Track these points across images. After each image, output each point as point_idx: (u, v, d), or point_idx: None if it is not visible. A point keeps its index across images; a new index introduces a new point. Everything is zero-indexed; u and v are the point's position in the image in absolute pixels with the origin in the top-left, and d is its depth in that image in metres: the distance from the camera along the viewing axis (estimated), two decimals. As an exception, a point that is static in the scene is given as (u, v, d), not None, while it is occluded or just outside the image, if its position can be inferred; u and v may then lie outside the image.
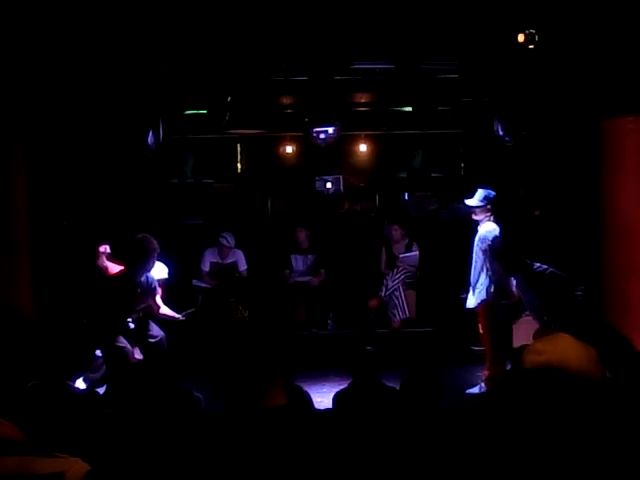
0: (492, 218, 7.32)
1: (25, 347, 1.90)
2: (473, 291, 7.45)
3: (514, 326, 8.49)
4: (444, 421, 3.64)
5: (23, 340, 1.92)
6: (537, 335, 7.19)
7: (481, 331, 7.67)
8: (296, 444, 1.61)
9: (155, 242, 6.81)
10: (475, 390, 7.51)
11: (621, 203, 8.18)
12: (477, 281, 7.41)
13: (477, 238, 7.36)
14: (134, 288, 6.82)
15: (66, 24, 6.47)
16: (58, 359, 4.70)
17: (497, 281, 7.40)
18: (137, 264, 6.75)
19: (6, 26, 6.30)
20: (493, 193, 7.36)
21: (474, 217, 7.32)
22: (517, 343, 8.41)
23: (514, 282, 7.43)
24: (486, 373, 7.55)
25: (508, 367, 7.65)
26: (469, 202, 7.33)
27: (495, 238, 7.19)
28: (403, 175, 11.42)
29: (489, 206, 7.27)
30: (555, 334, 2.25)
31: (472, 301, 7.49)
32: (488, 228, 7.27)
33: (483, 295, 7.38)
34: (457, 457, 3.42)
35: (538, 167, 9.53)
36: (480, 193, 7.31)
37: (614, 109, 7.86)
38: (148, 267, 6.83)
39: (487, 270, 7.36)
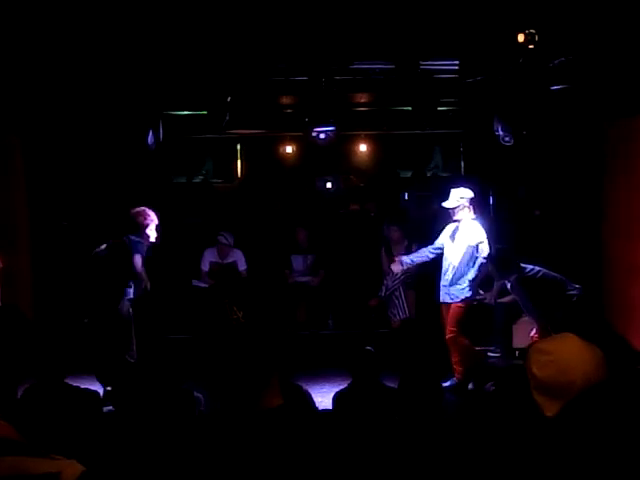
0: (472, 215, 7.42)
1: (23, 347, 1.90)
2: (451, 286, 7.46)
3: (514, 326, 8.50)
4: (443, 421, 3.64)
5: (22, 340, 1.92)
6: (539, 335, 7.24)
7: (452, 330, 7.50)
8: (293, 444, 1.61)
9: (149, 216, 6.88)
10: (448, 384, 7.43)
11: (622, 203, 8.19)
12: (461, 277, 7.43)
13: (462, 235, 7.42)
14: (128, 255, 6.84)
15: (66, 25, 6.46)
16: (58, 359, 4.70)
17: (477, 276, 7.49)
18: (135, 234, 6.82)
19: (7, 30, 6.30)
20: (469, 191, 7.43)
21: (454, 217, 7.42)
22: (517, 343, 8.42)
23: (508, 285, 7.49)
24: (460, 369, 7.47)
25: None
26: (447, 204, 7.43)
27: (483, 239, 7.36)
28: (407, 175, 11.40)
29: (467, 204, 7.37)
30: (561, 334, 2.24)
31: (451, 295, 7.48)
32: (472, 227, 7.38)
33: (467, 292, 7.40)
34: (458, 457, 3.42)
35: (538, 167, 9.53)
36: (454, 193, 7.42)
37: (616, 109, 7.87)
38: (146, 237, 6.87)
39: (472, 266, 7.41)
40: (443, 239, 7.59)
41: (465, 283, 7.41)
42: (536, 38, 6.50)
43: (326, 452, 1.66)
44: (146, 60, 7.25)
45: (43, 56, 6.89)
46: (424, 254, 7.77)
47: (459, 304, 7.43)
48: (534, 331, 7.38)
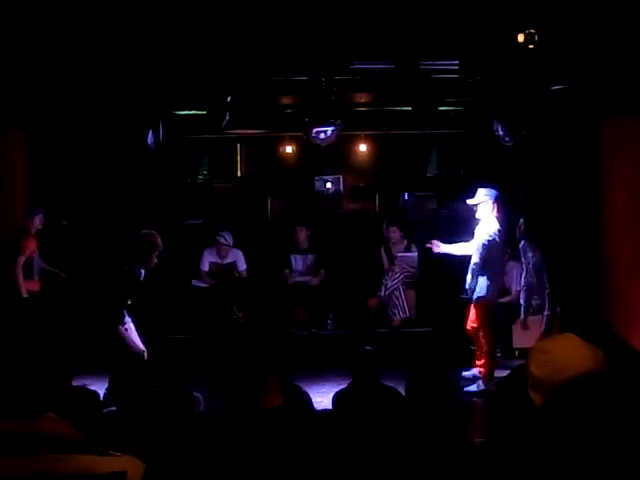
0: (495, 215, 7.43)
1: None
2: (469, 285, 7.52)
3: (514, 326, 8.50)
4: (452, 422, 3.63)
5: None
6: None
7: (471, 325, 7.63)
8: (292, 444, 1.61)
9: (159, 239, 6.85)
10: (473, 388, 7.51)
11: (622, 203, 8.19)
12: (476, 275, 7.46)
13: (478, 233, 7.47)
14: (135, 282, 6.84)
15: (68, 25, 6.46)
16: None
17: (495, 276, 7.48)
18: (139, 259, 6.79)
19: (11, 28, 6.30)
20: (494, 191, 7.49)
21: (477, 216, 7.46)
22: (517, 343, 8.43)
23: (514, 277, 7.54)
24: (483, 371, 7.55)
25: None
26: (470, 201, 7.50)
27: (494, 236, 7.35)
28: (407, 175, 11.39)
29: (491, 203, 7.40)
30: (562, 334, 2.24)
31: (469, 294, 7.56)
32: (489, 224, 7.39)
33: (483, 292, 7.43)
34: (461, 456, 3.42)
35: (538, 167, 9.52)
36: (480, 192, 7.47)
37: (615, 109, 7.86)
38: (150, 263, 6.84)
39: (484, 267, 7.40)
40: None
41: (481, 282, 7.44)
42: (536, 38, 6.49)
43: (326, 452, 1.66)
44: (146, 60, 7.24)
45: (44, 58, 6.88)
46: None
47: (476, 303, 7.52)
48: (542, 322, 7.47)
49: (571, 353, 2.14)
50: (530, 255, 7.58)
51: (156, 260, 6.90)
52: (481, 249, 7.35)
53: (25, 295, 7.91)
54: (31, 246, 8.07)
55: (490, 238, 7.35)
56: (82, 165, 9.28)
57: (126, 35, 6.68)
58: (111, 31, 6.58)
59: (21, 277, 7.95)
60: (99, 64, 7.13)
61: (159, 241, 6.87)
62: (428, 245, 7.94)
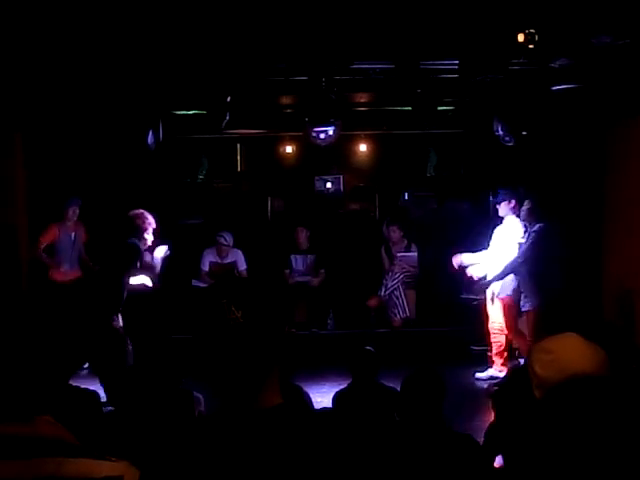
0: (516, 214, 7.69)
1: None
2: (493, 282, 7.70)
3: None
4: (444, 421, 3.64)
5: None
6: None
7: (498, 323, 7.74)
8: (292, 443, 1.61)
9: (147, 220, 6.89)
10: (484, 376, 7.73)
11: (624, 203, 8.19)
12: (500, 273, 7.64)
13: (501, 232, 7.75)
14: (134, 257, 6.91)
15: (67, 24, 6.46)
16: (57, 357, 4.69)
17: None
18: (134, 237, 6.85)
19: (11, 28, 6.29)
20: (514, 191, 7.82)
21: (500, 214, 7.76)
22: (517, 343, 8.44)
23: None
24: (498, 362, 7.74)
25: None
26: (494, 200, 7.93)
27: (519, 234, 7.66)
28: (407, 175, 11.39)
29: (514, 202, 7.67)
30: (563, 333, 2.24)
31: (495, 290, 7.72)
32: (512, 225, 7.67)
33: (510, 288, 7.64)
34: (458, 455, 3.42)
35: (538, 167, 9.52)
36: (502, 192, 7.80)
37: (617, 110, 7.86)
38: (144, 241, 6.90)
39: (510, 263, 7.60)
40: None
41: (508, 280, 7.61)
42: (536, 38, 6.49)
43: (325, 451, 1.66)
44: (146, 60, 7.24)
45: (44, 57, 6.88)
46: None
47: (502, 298, 7.66)
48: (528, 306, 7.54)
49: (574, 352, 2.14)
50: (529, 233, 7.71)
51: (152, 238, 6.97)
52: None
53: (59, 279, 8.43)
54: (49, 234, 8.45)
55: (519, 236, 7.62)
56: (82, 166, 9.28)
57: (126, 35, 6.67)
58: (111, 32, 6.57)
59: (46, 259, 8.45)
60: (99, 65, 7.12)
61: (145, 223, 6.90)
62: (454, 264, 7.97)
